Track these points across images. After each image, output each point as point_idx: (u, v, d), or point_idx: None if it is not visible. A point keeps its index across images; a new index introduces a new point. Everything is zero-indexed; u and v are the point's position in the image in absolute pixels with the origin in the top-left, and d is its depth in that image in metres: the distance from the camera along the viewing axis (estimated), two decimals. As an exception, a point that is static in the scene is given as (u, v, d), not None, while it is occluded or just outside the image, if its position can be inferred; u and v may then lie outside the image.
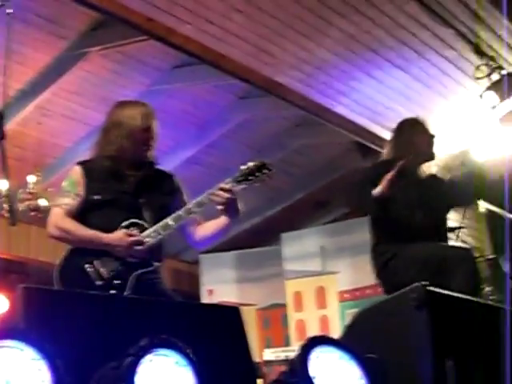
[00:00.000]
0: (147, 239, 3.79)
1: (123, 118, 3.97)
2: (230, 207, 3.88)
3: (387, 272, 4.72)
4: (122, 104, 4.13)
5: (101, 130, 4.09)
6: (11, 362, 2.25)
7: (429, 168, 5.08)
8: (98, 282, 3.71)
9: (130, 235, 3.77)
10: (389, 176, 4.55)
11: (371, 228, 4.97)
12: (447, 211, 5.09)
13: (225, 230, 4.03)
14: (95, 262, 3.75)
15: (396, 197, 4.70)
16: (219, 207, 3.86)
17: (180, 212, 3.86)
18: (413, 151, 4.91)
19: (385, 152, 5.21)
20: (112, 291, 3.67)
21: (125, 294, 3.66)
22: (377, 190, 4.56)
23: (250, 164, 3.95)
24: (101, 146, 4.00)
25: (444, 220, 5.05)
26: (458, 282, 4.31)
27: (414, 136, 5.00)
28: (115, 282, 3.72)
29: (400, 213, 4.75)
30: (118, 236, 3.77)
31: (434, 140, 5.04)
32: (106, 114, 4.14)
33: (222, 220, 3.99)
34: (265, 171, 3.93)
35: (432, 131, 5.09)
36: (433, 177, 5.10)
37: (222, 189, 3.82)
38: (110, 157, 3.94)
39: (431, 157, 5.03)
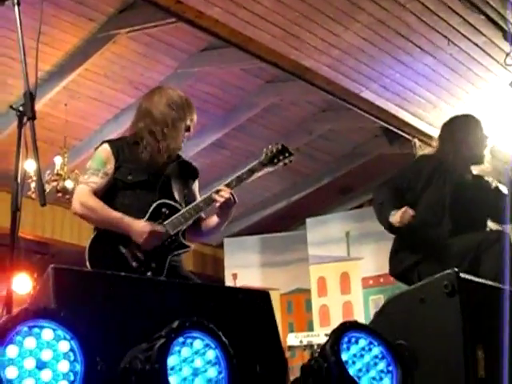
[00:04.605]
0: (172, 230, 3.79)
1: (170, 104, 3.94)
2: (227, 208, 3.92)
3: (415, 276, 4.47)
4: (165, 90, 4.08)
5: (143, 110, 4.02)
6: (43, 342, 2.26)
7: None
8: (134, 264, 3.71)
9: (154, 228, 3.74)
10: (404, 214, 4.32)
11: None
12: (486, 219, 4.73)
13: (215, 230, 4.12)
14: (131, 244, 3.74)
15: (426, 201, 4.57)
16: (217, 205, 3.89)
17: (210, 194, 3.86)
18: (464, 150, 4.64)
19: (434, 148, 4.89)
20: (148, 273, 3.69)
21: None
22: (392, 219, 4.38)
23: (272, 147, 4.03)
24: (139, 126, 3.97)
25: (482, 224, 4.69)
26: (490, 261, 4.20)
27: (465, 134, 4.68)
28: (152, 264, 3.74)
29: (425, 220, 4.52)
30: (142, 224, 3.74)
31: (487, 142, 4.70)
32: (148, 96, 4.09)
33: (215, 220, 4.04)
34: (286, 155, 4.02)
35: (486, 132, 4.73)
36: (479, 178, 4.77)
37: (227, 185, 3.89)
38: (149, 142, 3.90)
39: (481, 160, 4.72)
